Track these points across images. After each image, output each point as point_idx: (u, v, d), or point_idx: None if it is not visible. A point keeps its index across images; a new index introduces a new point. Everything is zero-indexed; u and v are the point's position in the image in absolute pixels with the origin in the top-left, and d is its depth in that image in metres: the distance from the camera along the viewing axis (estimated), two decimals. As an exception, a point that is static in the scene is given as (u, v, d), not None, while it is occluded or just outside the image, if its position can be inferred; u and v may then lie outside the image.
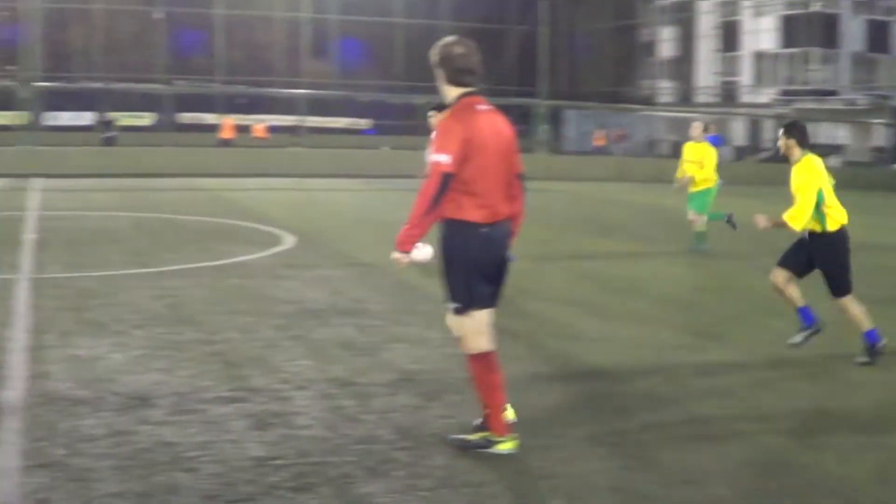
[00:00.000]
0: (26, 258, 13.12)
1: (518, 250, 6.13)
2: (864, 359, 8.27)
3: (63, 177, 28.09)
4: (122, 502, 5.04)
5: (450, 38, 5.90)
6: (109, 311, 9.68)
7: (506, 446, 5.79)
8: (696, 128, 16.05)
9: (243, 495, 5.16)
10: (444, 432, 6.11)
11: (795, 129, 8.34)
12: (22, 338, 8.52)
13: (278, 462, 5.63)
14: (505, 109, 6.95)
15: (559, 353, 8.53)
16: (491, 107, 5.82)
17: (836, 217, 8.23)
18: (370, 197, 26.82)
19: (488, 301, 5.79)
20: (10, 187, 25.86)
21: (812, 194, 8.07)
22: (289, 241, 15.42)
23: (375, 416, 6.49)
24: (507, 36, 56.58)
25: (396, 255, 5.65)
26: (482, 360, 5.77)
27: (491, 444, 5.80)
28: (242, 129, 44.38)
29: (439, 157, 5.55)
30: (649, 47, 57.00)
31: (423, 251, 5.69)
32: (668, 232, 18.26)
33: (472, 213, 5.61)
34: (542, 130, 44.98)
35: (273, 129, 46.84)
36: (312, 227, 17.69)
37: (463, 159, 5.54)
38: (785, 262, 8.45)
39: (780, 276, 8.41)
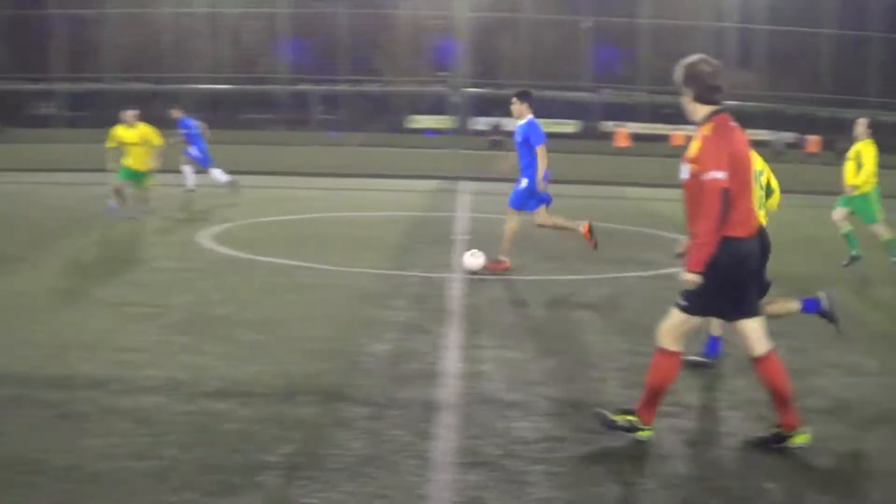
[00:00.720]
0: (458, 258, 13.68)
1: None
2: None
3: (488, 180, 29.27)
4: (552, 509, 5.07)
5: (696, 57, 6.00)
6: (538, 315, 9.87)
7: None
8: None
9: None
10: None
11: None
12: (456, 336, 8.87)
13: (710, 483, 5.49)
14: None
15: None
16: (738, 125, 5.90)
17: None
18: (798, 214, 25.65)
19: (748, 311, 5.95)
20: (441, 189, 27.32)
21: None
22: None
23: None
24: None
25: (689, 276, 5.74)
26: None
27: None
28: (658, 139, 44.30)
29: (716, 174, 5.63)
30: None
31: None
32: None
33: (734, 228, 5.73)
34: None
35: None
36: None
37: (732, 174, 5.65)
38: None
39: None
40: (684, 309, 5.89)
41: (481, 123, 50.88)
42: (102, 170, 18.12)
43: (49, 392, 6.80)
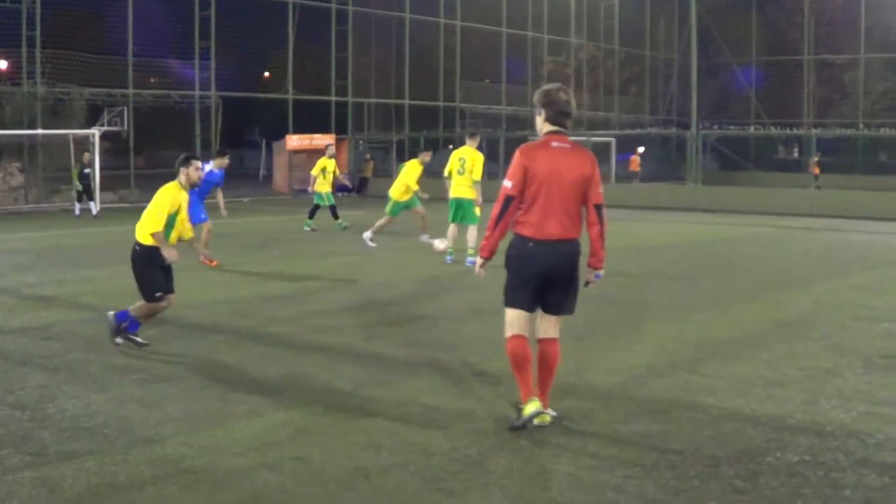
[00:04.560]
0: None
1: None
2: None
3: None
4: None
5: (554, 85, 6.98)
6: None
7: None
8: None
9: None
10: None
11: None
12: None
13: None
14: None
15: None
16: (569, 145, 6.82)
17: None
18: None
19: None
20: None
21: None
22: None
23: None
24: None
25: (478, 260, 7.07)
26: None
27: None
28: None
29: (506, 183, 6.79)
30: None
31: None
32: None
33: (523, 228, 6.77)
34: None
35: None
36: None
37: (525, 186, 6.73)
38: None
39: None
40: (504, 303, 6.93)
41: None
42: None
43: (800, 437, 6.83)
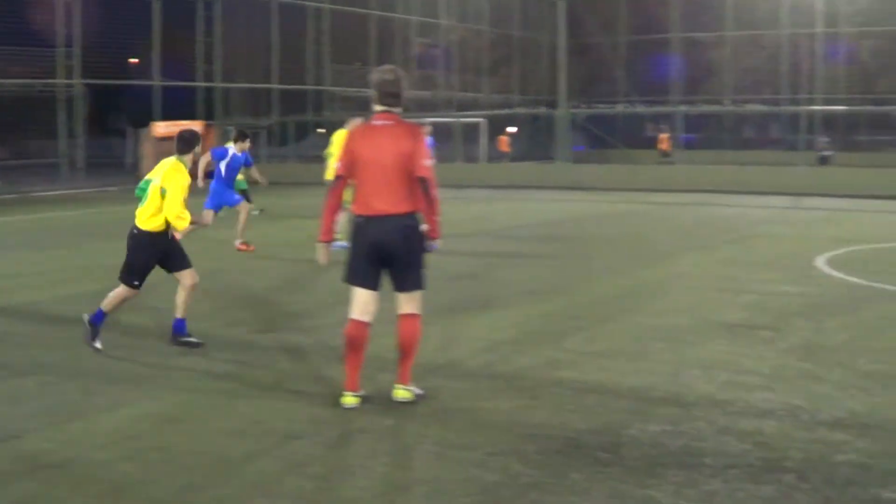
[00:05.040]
0: None
1: None
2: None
3: None
4: None
5: (384, 67, 7.27)
6: None
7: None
8: None
9: None
10: None
11: None
12: None
13: None
14: None
15: None
16: (393, 122, 6.98)
17: None
18: None
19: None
20: None
21: None
22: None
23: None
24: None
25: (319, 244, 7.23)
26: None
27: None
28: None
29: (336, 164, 7.19)
30: None
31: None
32: None
33: (357, 207, 6.99)
34: None
35: None
36: None
37: (349, 165, 7.01)
38: None
39: None
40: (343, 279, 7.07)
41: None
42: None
43: (663, 408, 6.98)
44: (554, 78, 49.07)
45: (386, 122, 7.03)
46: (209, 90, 42.44)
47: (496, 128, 47.69)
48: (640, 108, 50.33)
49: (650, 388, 7.49)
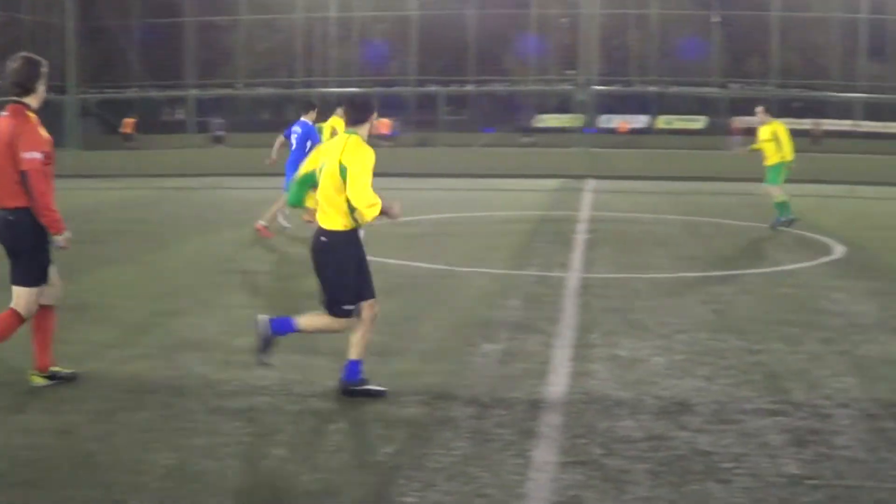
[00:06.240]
0: (577, 257, 13.58)
1: None
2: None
3: (614, 178, 29.02)
4: (653, 509, 4.98)
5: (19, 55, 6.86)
6: (654, 314, 9.71)
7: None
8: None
9: (779, 516, 4.89)
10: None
11: None
12: (568, 335, 8.78)
13: (813, 482, 5.32)
14: None
15: None
16: (8, 114, 6.69)
17: None
18: None
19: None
20: (565, 188, 27.13)
21: None
22: (838, 251, 14.55)
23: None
24: None
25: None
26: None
27: None
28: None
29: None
30: None
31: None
32: None
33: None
34: None
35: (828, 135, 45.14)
36: (863, 237, 16.56)
37: None
38: None
39: None
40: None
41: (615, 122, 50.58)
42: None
43: (157, 395, 6.95)
44: (64, 63, 47.01)
45: (4, 113, 6.82)
46: None
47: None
48: (154, 93, 49.62)
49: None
